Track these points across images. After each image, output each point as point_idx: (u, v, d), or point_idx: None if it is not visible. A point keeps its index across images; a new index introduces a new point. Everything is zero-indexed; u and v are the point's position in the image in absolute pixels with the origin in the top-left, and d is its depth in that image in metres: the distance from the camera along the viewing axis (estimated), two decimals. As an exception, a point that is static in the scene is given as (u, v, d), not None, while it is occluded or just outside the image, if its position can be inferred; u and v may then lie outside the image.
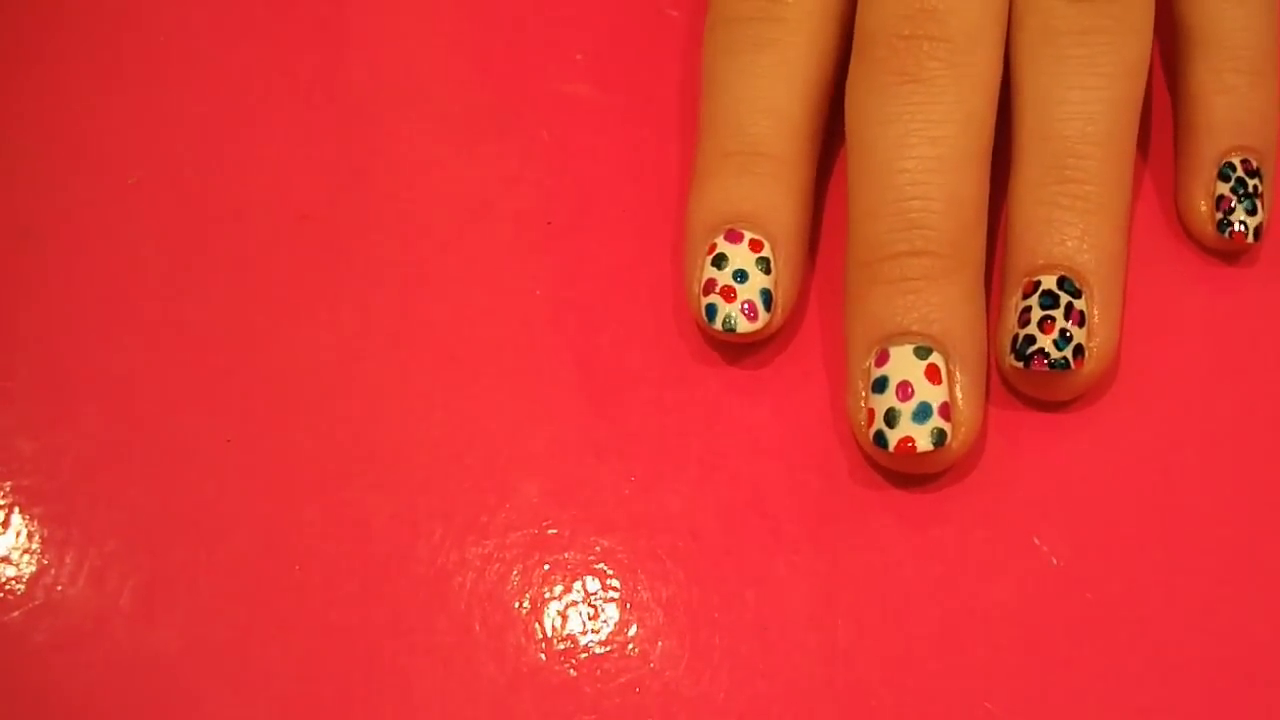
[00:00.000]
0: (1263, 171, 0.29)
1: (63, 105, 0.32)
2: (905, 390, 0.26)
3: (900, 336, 0.26)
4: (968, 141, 0.27)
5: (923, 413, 0.26)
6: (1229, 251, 0.30)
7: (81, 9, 0.34)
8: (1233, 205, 0.29)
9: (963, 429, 0.26)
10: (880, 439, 0.26)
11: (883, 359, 0.26)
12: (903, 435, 0.26)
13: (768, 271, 0.27)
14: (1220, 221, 0.29)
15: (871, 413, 0.26)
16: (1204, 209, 0.29)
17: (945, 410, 0.26)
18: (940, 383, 0.26)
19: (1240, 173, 0.29)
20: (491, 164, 0.31)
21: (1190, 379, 0.28)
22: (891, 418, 0.26)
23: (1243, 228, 0.29)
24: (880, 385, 0.26)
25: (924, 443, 0.26)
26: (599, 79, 0.32)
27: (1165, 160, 0.31)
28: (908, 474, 0.27)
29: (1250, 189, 0.29)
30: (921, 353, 0.26)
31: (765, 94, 0.28)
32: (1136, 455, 0.27)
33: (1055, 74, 0.28)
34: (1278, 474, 0.27)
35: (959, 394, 0.26)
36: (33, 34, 0.33)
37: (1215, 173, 0.29)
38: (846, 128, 0.28)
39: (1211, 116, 0.29)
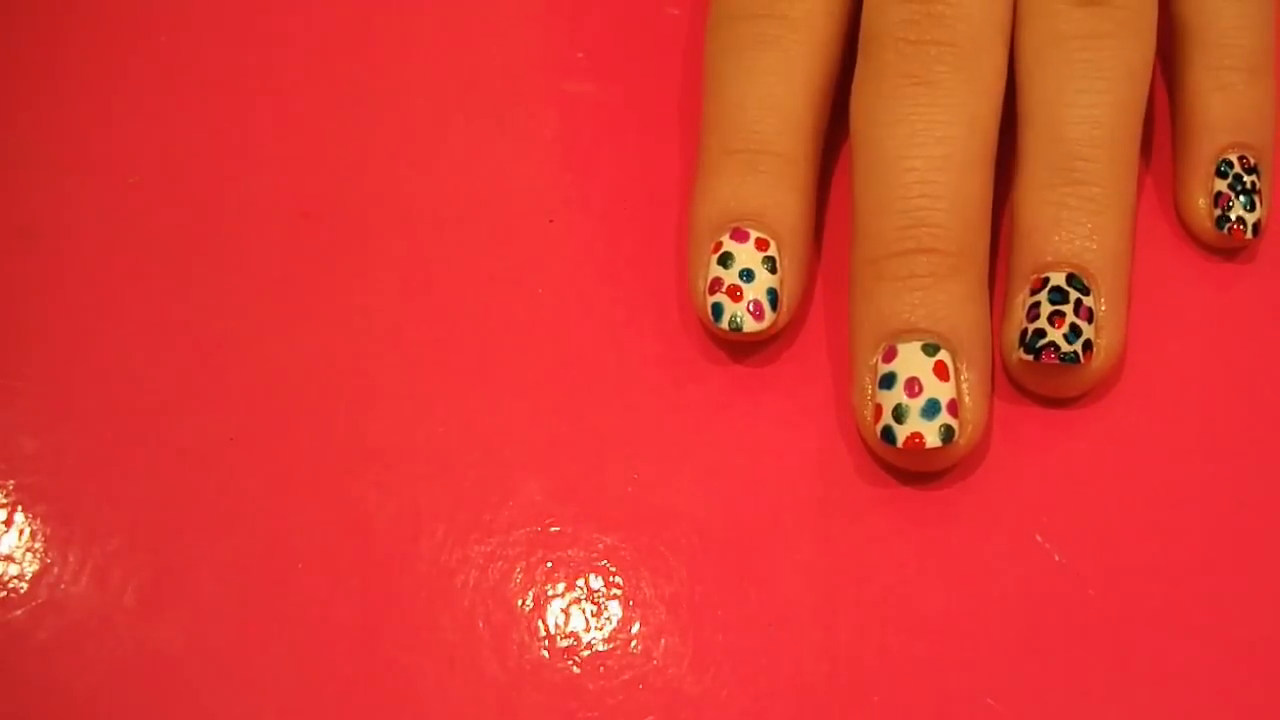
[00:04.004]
0: (1260, 168, 0.29)
1: (63, 105, 0.32)
2: (913, 386, 0.26)
3: (908, 333, 0.26)
4: (973, 143, 0.27)
5: (931, 409, 0.26)
6: (1228, 248, 0.30)
7: (82, 8, 0.33)
8: (1230, 202, 0.29)
9: (970, 426, 0.26)
10: (888, 435, 0.26)
11: (890, 355, 0.26)
12: (911, 431, 0.26)
13: (774, 270, 0.28)
14: (1219, 218, 0.29)
15: (879, 408, 0.26)
16: (1202, 206, 0.29)
17: (953, 407, 0.26)
18: (948, 379, 0.26)
19: (1238, 169, 0.29)
20: (493, 162, 0.31)
21: (1191, 375, 0.28)
22: (900, 414, 0.26)
23: (1241, 224, 0.29)
24: (888, 381, 0.26)
25: (932, 439, 0.26)
26: (601, 77, 0.32)
27: (1164, 158, 0.31)
28: (912, 471, 0.27)
29: (1248, 185, 0.29)
30: (929, 349, 0.26)
31: (769, 92, 0.28)
32: (1138, 452, 0.28)
33: (1061, 77, 0.28)
34: (1278, 469, 0.27)
35: (966, 391, 0.26)
36: (33, 33, 0.33)
37: (1213, 170, 0.29)
38: (852, 128, 0.28)
39: (1208, 114, 0.29)
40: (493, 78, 0.32)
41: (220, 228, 0.30)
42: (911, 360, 0.26)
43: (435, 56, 0.33)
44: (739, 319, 0.27)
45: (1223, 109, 0.29)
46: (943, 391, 0.26)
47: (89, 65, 0.33)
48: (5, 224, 0.30)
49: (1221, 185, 0.29)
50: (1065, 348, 0.26)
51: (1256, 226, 0.29)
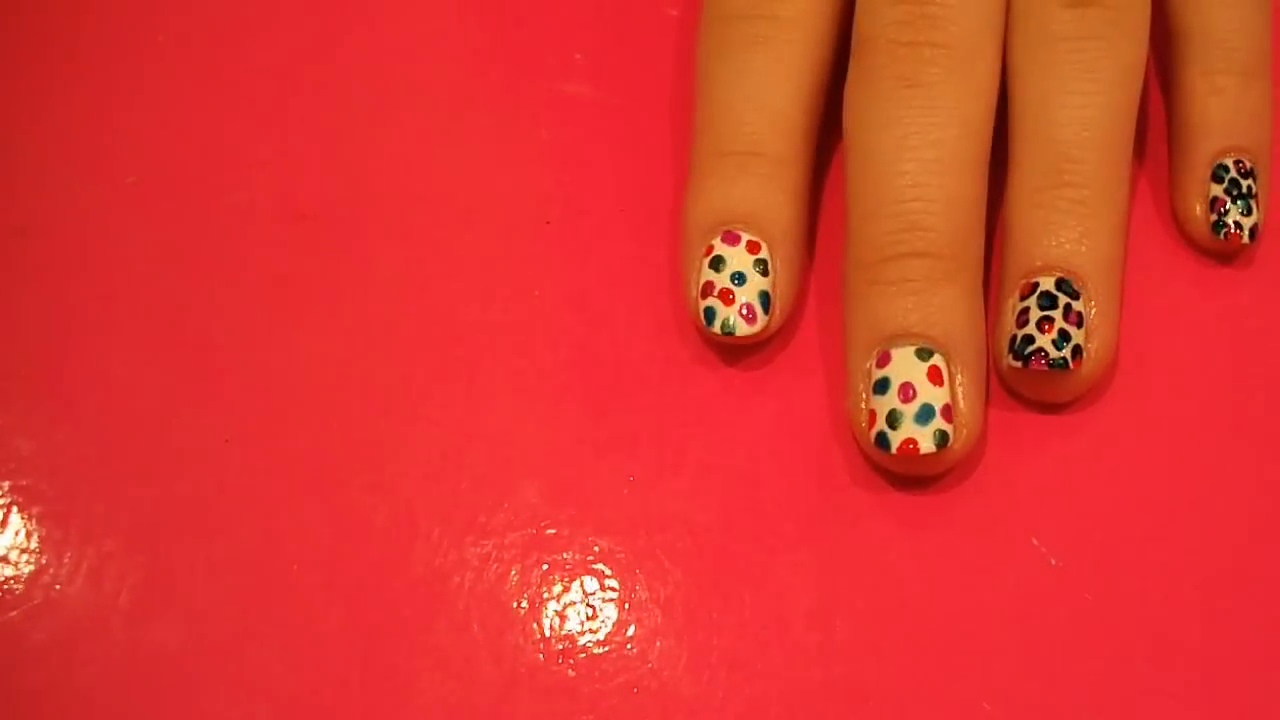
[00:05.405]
0: (1256, 172, 0.29)
1: (62, 105, 0.32)
2: (907, 392, 0.26)
3: (902, 338, 0.26)
4: (967, 146, 0.27)
5: (925, 414, 0.26)
6: (1224, 253, 0.30)
7: (80, 9, 0.33)
8: (1227, 206, 0.29)
9: (964, 430, 0.26)
10: (882, 440, 0.26)
11: (884, 360, 0.26)
12: (905, 437, 0.26)
13: (765, 273, 0.27)
14: (1215, 222, 0.29)
15: (873, 414, 0.26)
16: (1199, 210, 0.29)
17: (947, 412, 0.26)
18: (942, 384, 0.26)
19: (1234, 173, 0.29)
20: (490, 163, 0.31)
21: (1187, 380, 0.28)
22: (894, 419, 0.26)
23: (1238, 228, 0.29)
24: (882, 386, 0.26)
25: (926, 444, 0.26)
26: (598, 79, 0.32)
27: (1160, 163, 0.31)
28: (907, 475, 0.27)
29: (1244, 189, 0.29)
30: (923, 354, 0.26)
31: (761, 93, 0.28)
32: (1134, 456, 0.27)
33: (1053, 79, 0.28)
34: (1274, 474, 0.27)
35: (960, 396, 0.26)
36: (31, 33, 0.33)
37: (1209, 174, 0.29)
38: (845, 131, 0.28)
39: (1204, 118, 0.29)
40: (490, 79, 0.32)
41: (218, 229, 0.30)
42: (905, 365, 0.26)
43: (433, 57, 0.33)
44: (731, 323, 0.27)
45: (1219, 113, 0.29)
46: (937, 396, 0.26)
47: (86, 65, 0.33)
48: (2, 224, 0.30)
49: (1218, 189, 0.29)
50: (1054, 354, 0.26)
51: (1253, 231, 0.29)
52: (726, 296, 0.27)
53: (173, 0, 0.34)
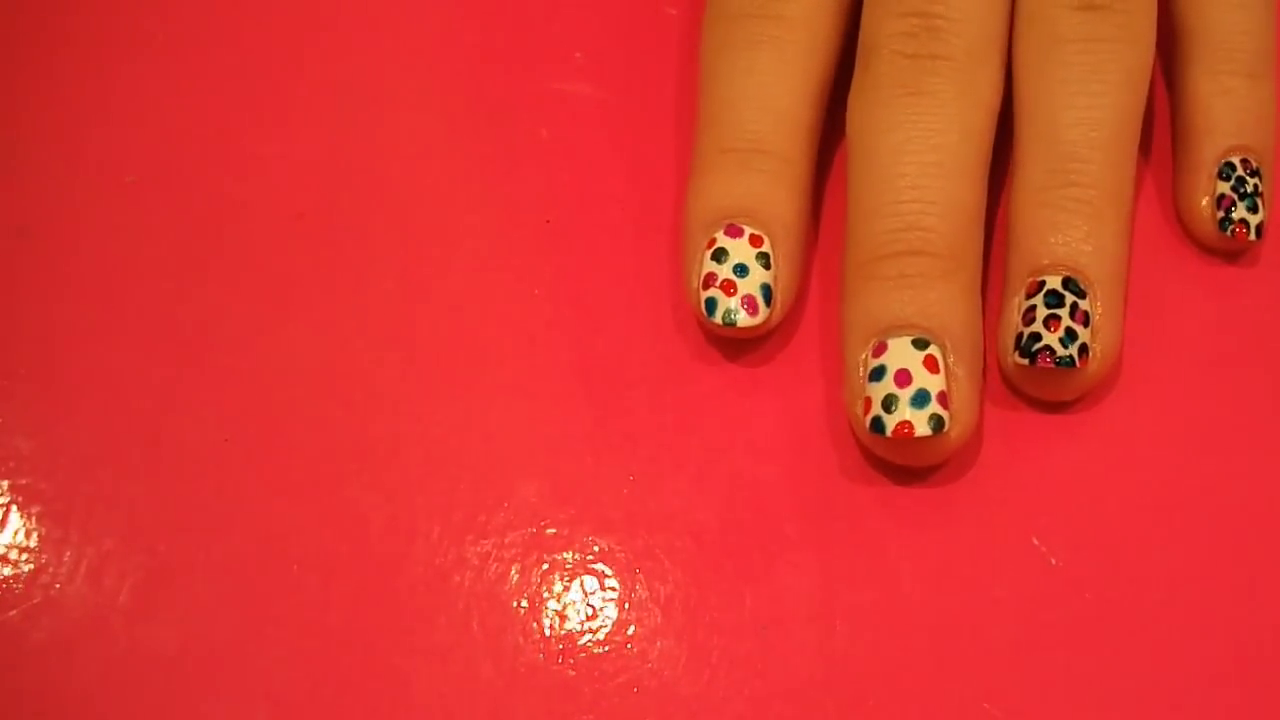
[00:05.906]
0: (1262, 171, 0.29)
1: (61, 104, 0.32)
2: (903, 377, 0.26)
3: (898, 328, 0.26)
4: (967, 151, 0.27)
5: (921, 399, 0.26)
6: (1230, 251, 0.30)
7: (79, 8, 0.34)
8: (1233, 203, 0.29)
9: (960, 420, 0.26)
10: (878, 424, 0.26)
11: (880, 349, 0.26)
12: (900, 420, 0.26)
13: (768, 266, 0.27)
14: (1222, 220, 0.29)
15: (869, 400, 0.26)
16: (1205, 208, 0.29)
17: (943, 398, 0.26)
18: (938, 372, 0.26)
19: (1240, 172, 0.29)
20: (490, 162, 0.31)
21: (1190, 380, 0.28)
22: (889, 404, 0.26)
23: (1244, 225, 0.29)
24: (878, 374, 0.26)
25: (922, 428, 0.25)
26: (598, 77, 0.32)
27: (1166, 163, 0.31)
28: (905, 466, 0.27)
29: (1250, 188, 0.29)
30: (920, 343, 0.26)
31: (764, 91, 0.28)
32: (1136, 456, 0.27)
33: (1059, 81, 0.28)
34: (1276, 474, 0.27)
35: (956, 386, 0.26)
36: (31, 33, 0.33)
37: (1215, 172, 0.29)
38: (847, 135, 0.28)
39: (1210, 118, 0.29)
40: (490, 77, 0.32)
41: (217, 228, 0.30)
42: (901, 353, 0.26)
43: (432, 56, 0.33)
44: (733, 313, 0.27)
45: (1224, 113, 0.29)
46: (932, 383, 0.26)
47: (86, 65, 0.33)
48: (2, 224, 0.31)
49: (1224, 188, 0.29)
50: (1061, 351, 0.26)
51: (1259, 228, 0.29)
52: (728, 288, 0.27)
53: (172, 0, 0.34)
